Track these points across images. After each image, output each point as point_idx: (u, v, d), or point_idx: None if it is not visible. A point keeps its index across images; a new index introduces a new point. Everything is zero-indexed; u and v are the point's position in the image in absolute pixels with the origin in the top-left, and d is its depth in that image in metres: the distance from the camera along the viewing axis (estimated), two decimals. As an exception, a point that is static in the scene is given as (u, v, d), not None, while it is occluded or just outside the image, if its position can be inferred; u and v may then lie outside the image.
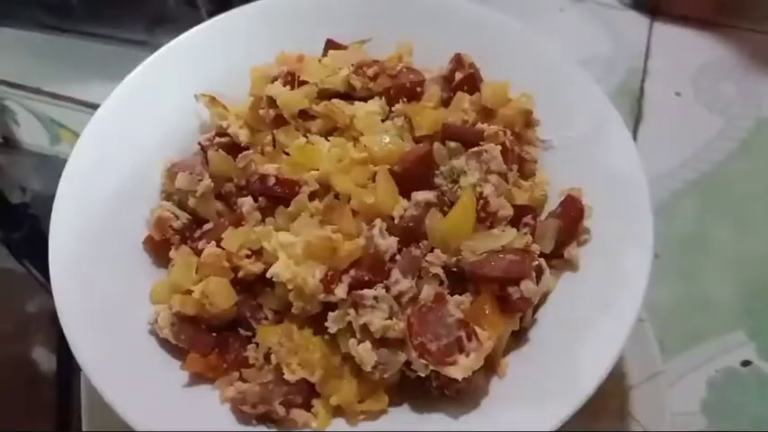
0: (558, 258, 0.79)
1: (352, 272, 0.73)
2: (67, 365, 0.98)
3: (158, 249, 0.81)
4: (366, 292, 0.71)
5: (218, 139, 0.86)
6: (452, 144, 0.81)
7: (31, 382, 1.02)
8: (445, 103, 0.88)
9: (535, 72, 0.89)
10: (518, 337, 0.76)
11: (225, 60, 0.94)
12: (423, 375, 0.70)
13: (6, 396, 0.99)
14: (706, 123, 1.24)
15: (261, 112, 0.86)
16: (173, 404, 0.72)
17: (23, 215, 1.16)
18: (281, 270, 0.72)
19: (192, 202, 0.82)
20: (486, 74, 0.90)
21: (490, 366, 0.73)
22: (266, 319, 0.76)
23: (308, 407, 0.72)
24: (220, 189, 0.84)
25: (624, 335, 0.71)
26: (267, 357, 0.73)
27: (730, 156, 1.21)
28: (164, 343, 0.76)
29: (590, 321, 0.73)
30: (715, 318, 1.05)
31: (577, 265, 0.78)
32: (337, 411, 0.72)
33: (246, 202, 0.80)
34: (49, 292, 0.75)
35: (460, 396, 0.72)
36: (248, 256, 0.76)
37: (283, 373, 0.71)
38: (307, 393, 0.72)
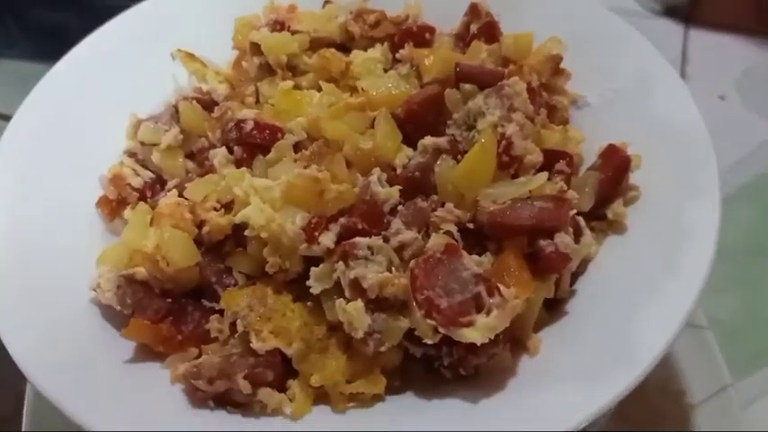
0: (599, 220, 0.64)
1: (342, 219, 0.58)
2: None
3: (114, 211, 0.67)
4: (359, 240, 0.56)
5: (193, 94, 0.74)
6: (467, 86, 0.67)
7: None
8: (459, 58, 0.75)
9: (563, 23, 0.76)
10: (554, 311, 0.60)
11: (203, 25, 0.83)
12: (430, 343, 0.54)
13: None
14: (755, 126, 1.10)
15: (244, 64, 0.74)
16: (112, 386, 0.56)
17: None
18: (253, 214, 0.58)
19: (156, 157, 0.69)
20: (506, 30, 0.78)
21: (519, 342, 0.57)
22: (236, 285, 0.61)
23: (281, 387, 0.56)
24: (191, 147, 0.71)
25: (691, 299, 0.56)
26: (234, 329, 0.58)
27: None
28: (108, 314, 0.61)
29: (645, 286, 0.57)
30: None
31: (625, 226, 0.63)
32: (320, 395, 0.55)
33: (219, 153, 0.66)
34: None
35: (480, 377, 0.55)
36: (216, 210, 0.62)
37: (250, 342, 0.55)
38: (280, 370, 0.56)
